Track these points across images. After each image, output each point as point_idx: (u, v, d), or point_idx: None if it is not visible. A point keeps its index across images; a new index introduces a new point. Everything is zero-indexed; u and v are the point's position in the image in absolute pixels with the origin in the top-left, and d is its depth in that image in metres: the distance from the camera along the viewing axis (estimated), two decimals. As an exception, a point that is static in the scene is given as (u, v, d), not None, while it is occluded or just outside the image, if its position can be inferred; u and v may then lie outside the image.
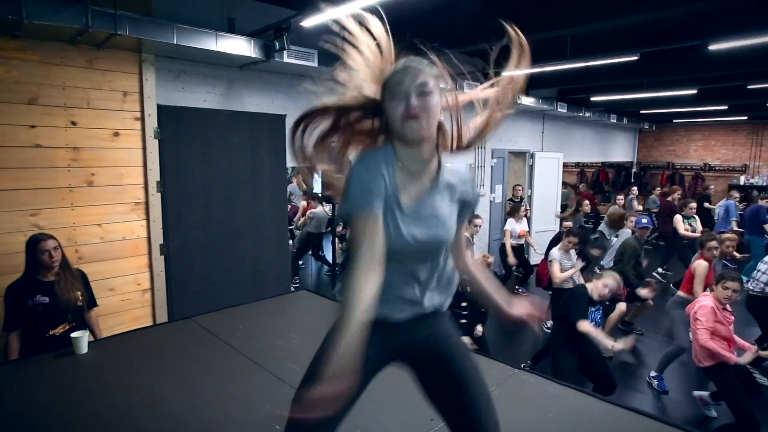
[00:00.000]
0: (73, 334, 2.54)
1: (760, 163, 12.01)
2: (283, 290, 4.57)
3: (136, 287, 3.89)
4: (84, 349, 2.54)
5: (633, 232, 5.24)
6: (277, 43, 3.55)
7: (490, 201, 7.85)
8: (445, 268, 1.36)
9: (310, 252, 6.94)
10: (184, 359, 2.55)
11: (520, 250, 6.64)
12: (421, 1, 3.47)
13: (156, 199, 3.85)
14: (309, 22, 3.36)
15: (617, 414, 2.11)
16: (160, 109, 3.78)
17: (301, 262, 7.18)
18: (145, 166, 3.79)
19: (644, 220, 5.03)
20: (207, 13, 3.94)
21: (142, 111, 3.73)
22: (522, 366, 3.01)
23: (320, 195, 6.51)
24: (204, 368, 2.45)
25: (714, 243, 4.21)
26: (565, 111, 8.13)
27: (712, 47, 4.01)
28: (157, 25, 3.28)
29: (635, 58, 4.55)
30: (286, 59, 3.85)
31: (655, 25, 4.05)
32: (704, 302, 3.43)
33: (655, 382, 4.07)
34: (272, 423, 1.97)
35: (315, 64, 4.05)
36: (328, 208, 6.56)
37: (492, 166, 7.82)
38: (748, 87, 6.45)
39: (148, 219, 3.86)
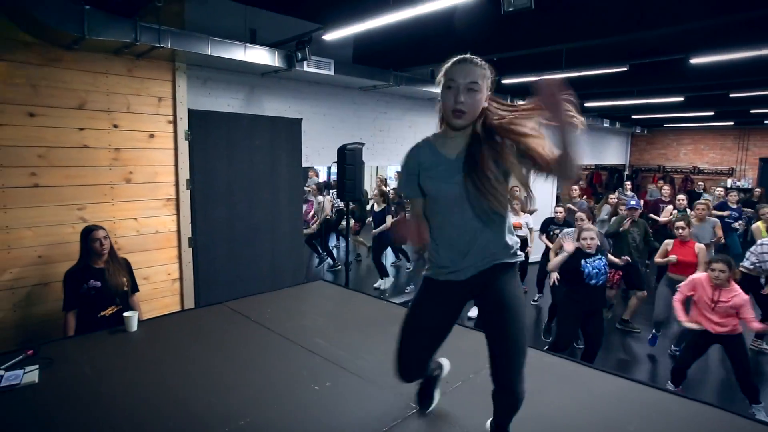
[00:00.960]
0: (125, 314, 2.87)
1: (746, 166, 12.49)
2: (298, 281, 4.92)
3: (167, 276, 4.22)
4: (135, 327, 2.87)
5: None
6: (299, 54, 3.90)
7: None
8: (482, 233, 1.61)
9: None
10: (225, 337, 2.89)
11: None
12: (430, 18, 3.81)
13: (186, 196, 4.19)
14: (331, 35, 3.71)
15: (606, 378, 2.48)
16: (190, 113, 4.12)
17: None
18: (176, 165, 4.12)
19: (632, 202, 5.35)
20: (232, 23, 4.28)
21: (175, 115, 4.07)
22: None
23: (322, 185, 7.00)
24: (243, 344, 2.80)
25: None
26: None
27: (694, 61, 4.42)
28: (193, 38, 3.62)
29: (625, 69, 4.96)
30: (306, 68, 4.20)
31: (642, 41, 4.44)
32: (696, 276, 3.85)
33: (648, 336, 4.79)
34: (312, 385, 2.32)
35: (332, 72, 4.40)
36: (329, 197, 7.01)
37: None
38: (730, 96, 6.88)
39: (178, 214, 4.19)
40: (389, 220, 6.34)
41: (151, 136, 3.97)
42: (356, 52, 5.13)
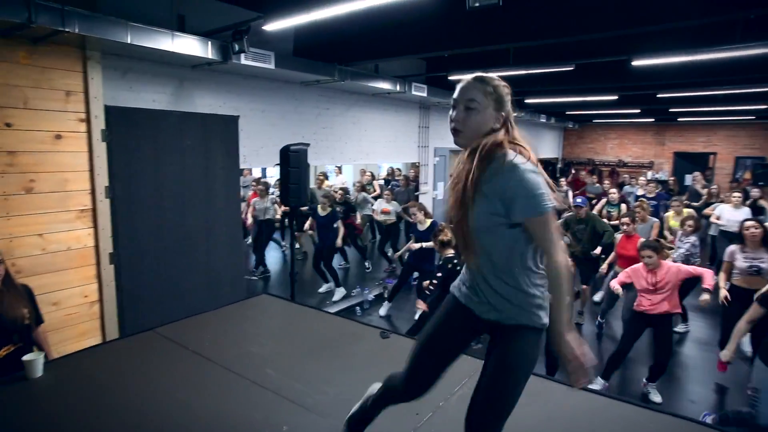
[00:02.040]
0: (25, 357, 2.37)
1: (663, 160, 13.48)
2: (238, 294, 4.50)
3: (83, 300, 3.66)
4: (40, 371, 2.38)
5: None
6: (236, 45, 3.48)
7: (433, 198, 8.13)
8: (494, 273, 1.45)
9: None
10: (157, 374, 2.48)
11: None
12: (379, 12, 3.55)
13: (104, 206, 3.64)
14: (273, 26, 3.33)
15: (574, 394, 2.38)
16: (108, 110, 3.57)
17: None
18: (92, 170, 3.56)
19: (579, 200, 5.49)
20: (154, 8, 3.76)
21: (88, 112, 3.50)
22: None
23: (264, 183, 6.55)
24: (181, 382, 2.41)
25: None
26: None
27: (635, 63, 4.53)
28: (109, 23, 3.09)
29: (571, 68, 5.00)
30: (243, 61, 3.78)
31: (589, 43, 4.49)
32: (633, 266, 4.02)
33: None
34: (267, 433, 2.01)
35: (272, 66, 4.01)
36: (271, 197, 6.57)
37: (435, 164, 8.11)
38: (658, 96, 7.28)
39: (95, 227, 3.64)
40: (341, 225, 6.04)
41: (58, 137, 3.38)
42: (297, 45, 4.75)
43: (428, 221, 5.46)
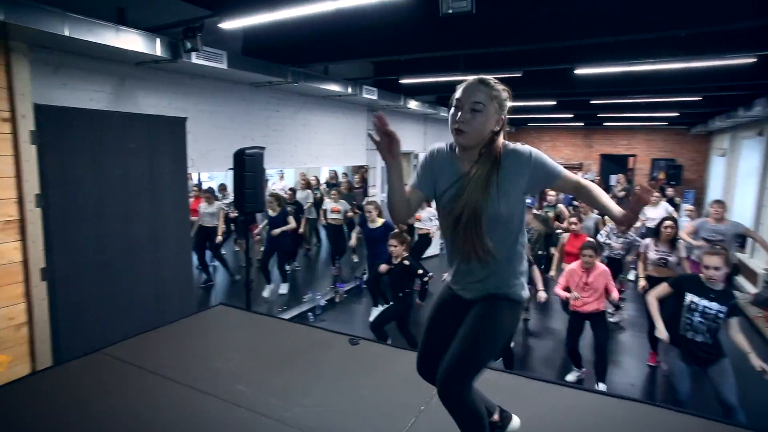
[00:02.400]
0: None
1: (591, 161, 14.48)
2: (188, 306, 4.25)
3: (8, 323, 3.25)
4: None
5: None
6: (188, 43, 3.26)
7: (382, 200, 8.13)
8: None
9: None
10: (113, 400, 2.27)
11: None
12: (331, 14, 3.51)
13: (35, 216, 3.27)
14: (229, 24, 3.17)
15: (524, 383, 2.48)
16: (38, 108, 3.21)
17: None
18: (18, 176, 3.18)
19: (528, 201, 5.73)
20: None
21: (13, 111, 3.13)
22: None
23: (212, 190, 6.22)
24: (145, 406, 2.22)
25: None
26: (446, 114, 8.81)
27: (577, 71, 4.83)
28: (43, 12, 2.78)
29: (519, 74, 5.22)
30: (195, 60, 3.57)
31: (536, 52, 4.72)
32: (568, 267, 4.23)
33: None
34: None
35: (224, 66, 3.82)
36: (219, 204, 6.25)
37: (382, 167, 8.14)
38: (591, 102, 7.81)
39: (24, 239, 3.26)
40: (291, 220, 5.87)
41: (-22, 139, 3.00)
42: (247, 45, 4.56)
43: (380, 220, 5.47)
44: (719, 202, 5.28)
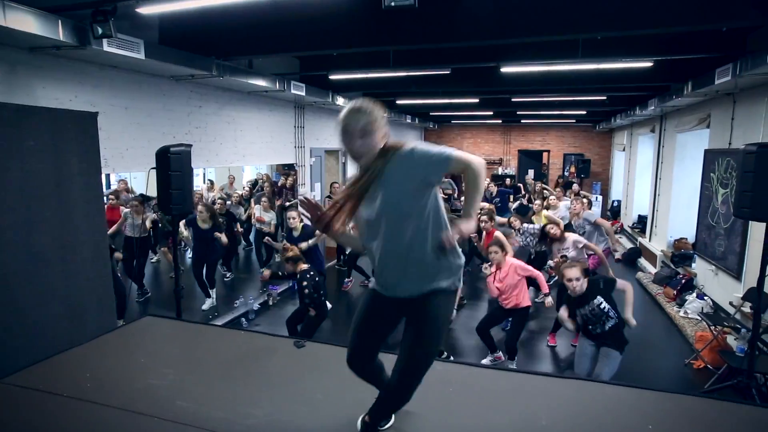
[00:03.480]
0: None
1: (509, 157, 15.32)
2: (109, 322, 3.86)
3: None
4: None
5: None
6: (99, 28, 2.92)
7: (311, 198, 8.01)
8: (405, 251, 1.68)
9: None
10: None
11: None
12: (255, 5, 3.36)
13: None
14: (147, 9, 2.89)
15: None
16: None
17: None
18: None
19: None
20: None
21: None
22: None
23: (143, 197, 5.68)
24: (68, 437, 1.96)
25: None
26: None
27: (503, 69, 5.05)
28: None
29: (447, 72, 5.35)
30: (106, 48, 3.22)
31: (464, 50, 4.87)
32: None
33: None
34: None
35: (141, 56, 3.49)
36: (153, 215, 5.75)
37: (311, 165, 7.99)
38: (512, 100, 8.24)
39: None
40: (223, 237, 5.54)
41: None
42: (165, 34, 4.21)
43: (300, 225, 5.36)
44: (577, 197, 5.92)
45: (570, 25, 3.79)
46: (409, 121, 11.78)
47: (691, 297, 6.06)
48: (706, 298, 5.91)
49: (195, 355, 2.84)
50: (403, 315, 1.84)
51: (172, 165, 3.59)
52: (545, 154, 15.20)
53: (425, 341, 1.74)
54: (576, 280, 3.25)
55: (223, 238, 5.50)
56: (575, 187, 9.45)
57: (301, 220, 5.31)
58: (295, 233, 5.29)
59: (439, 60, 5.07)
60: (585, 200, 6.73)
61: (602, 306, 3.25)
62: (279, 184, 8.26)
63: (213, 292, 5.89)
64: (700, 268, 6.68)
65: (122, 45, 3.35)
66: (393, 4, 2.38)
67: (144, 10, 2.93)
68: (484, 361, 4.45)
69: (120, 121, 4.22)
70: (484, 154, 15.31)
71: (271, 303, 6.51)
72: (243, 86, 5.50)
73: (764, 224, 3.26)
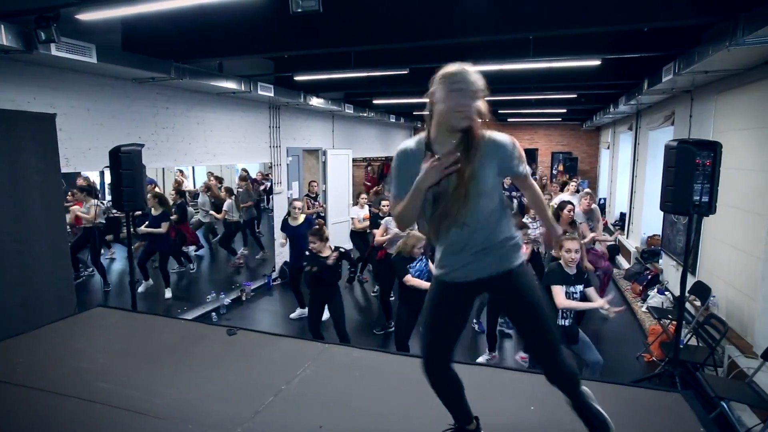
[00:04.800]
0: None
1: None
2: (66, 313, 4.03)
3: None
4: None
5: None
6: (42, 33, 3.09)
7: (288, 197, 8.13)
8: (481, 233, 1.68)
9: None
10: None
11: (364, 235, 7.13)
12: (219, 8, 3.51)
13: None
14: (89, 16, 3.05)
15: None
16: None
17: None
18: None
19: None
20: None
21: None
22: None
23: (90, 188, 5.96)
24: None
25: None
26: (352, 111, 8.98)
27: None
28: None
29: (405, 72, 5.49)
30: (55, 52, 3.39)
31: (422, 49, 5.00)
32: None
33: (476, 326, 5.36)
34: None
35: (93, 60, 3.66)
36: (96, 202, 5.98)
37: (288, 164, 8.13)
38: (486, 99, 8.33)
39: None
40: (165, 226, 5.87)
41: None
42: (127, 38, 4.39)
43: (302, 217, 5.80)
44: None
45: (520, 23, 3.88)
46: (393, 120, 11.92)
47: (653, 292, 6.17)
48: (666, 293, 6.00)
49: (131, 342, 3.00)
50: (480, 294, 1.85)
51: (123, 163, 3.76)
52: (535, 153, 15.28)
53: (538, 305, 1.72)
54: (576, 252, 3.33)
55: (163, 227, 5.80)
56: (572, 185, 9.34)
57: (303, 211, 5.78)
58: (294, 223, 5.70)
59: (398, 60, 5.21)
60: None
61: (579, 293, 3.37)
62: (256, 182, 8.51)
63: (169, 291, 6.15)
64: (665, 263, 6.78)
65: (72, 49, 3.52)
66: (300, 10, 2.52)
67: (84, 17, 3.10)
68: (480, 360, 4.50)
69: (82, 123, 4.39)
70: (472, 153, 15.42)
71: (244, 298, 6.67)
72: (210, 88, 5.66)
73: (717, 219, 3.38)
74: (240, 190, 8.26)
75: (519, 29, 4.04)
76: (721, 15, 3.17)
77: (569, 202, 5.19)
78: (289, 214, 5.88)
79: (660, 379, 3.87)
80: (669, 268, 6.50)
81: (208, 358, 2.74)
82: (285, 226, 5.83)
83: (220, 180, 8.70)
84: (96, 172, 6.70)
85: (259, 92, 5.98)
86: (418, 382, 1.96)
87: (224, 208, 7.43)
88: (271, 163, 7.61)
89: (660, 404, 2.31)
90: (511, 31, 4.03)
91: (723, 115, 4.98)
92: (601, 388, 2.49)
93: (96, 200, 5.94)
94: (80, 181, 6.06)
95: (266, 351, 2.86)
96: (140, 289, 5.99)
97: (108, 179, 9.01)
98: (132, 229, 4.62)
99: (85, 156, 4.47)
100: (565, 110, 10.72)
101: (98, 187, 7.04)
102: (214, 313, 6.00)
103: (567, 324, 3.37)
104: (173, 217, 6.03)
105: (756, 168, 4.24)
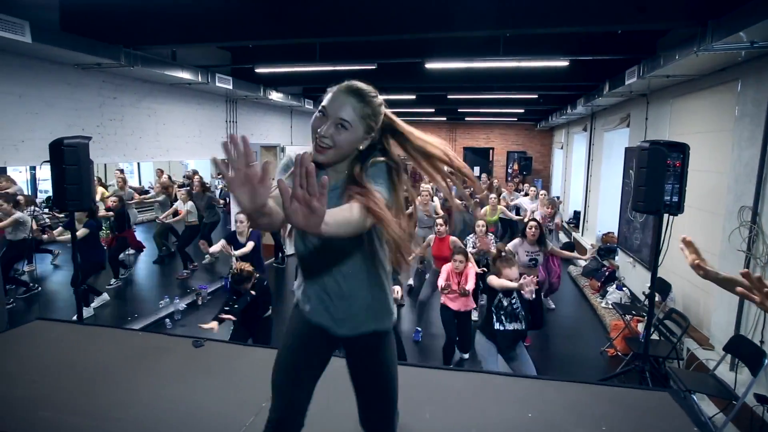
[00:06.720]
0: None
1: (456, 154, 15.53)
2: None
3: None
4: None
5: None
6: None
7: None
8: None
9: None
10: None
11: None
12: None
13: None
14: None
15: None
16: None
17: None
18: None
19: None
20: None
21: None
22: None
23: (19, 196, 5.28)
24: None
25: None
26: (312, 107, 8.72)
27: (427, 65, 5.08)
28: None
29: (373, 67, 5.33)
30: (-20, 29, 2.96)
31: (390, 44, 4.85)
32: (447, 265, 4.34)
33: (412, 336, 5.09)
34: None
35: (28, 39, 3.24)
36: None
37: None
38: (448, 96, 8.35)
39: None
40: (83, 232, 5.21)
41: None
42: (65, 17, 3.93)
43: (248, 231, 5.11)
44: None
45: (491, 21, 3.82)
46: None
47: (612, 288, 6.36)
48: (624, 288, 6.21)
49: (77, 359, 2.66)
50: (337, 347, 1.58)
51: (67, 158, 3.36)
52: (491, 152, 15.57)
53: (390, 388, 1.54)
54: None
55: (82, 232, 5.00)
56: (533, 190, 9.42)
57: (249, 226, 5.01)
58: (241, 238, 4.95)
59: (364, 54, 5.03)
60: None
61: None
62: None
63: (92, 306, 5.56)
64: (621, 260, 7.02)
65: (2, 26, 3.09)
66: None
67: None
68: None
69: (11, 110, 3.92)
70: (431, 152, 15.50)
71: (200, 303, 6.27)
72: (164, 78, 5.26)
73: (675, 218, 3.44)
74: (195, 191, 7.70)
75: (491, 25, 3.99)
76: (694, 20, 3.24)
77: (534, 219, 4.97)
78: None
79: (629, 375, 3.94)
80: (625, 264, 6.73)
81: (173, 373, 2.47)
82: (233, 241, 4.95)
83: (171, 180, 8.11)
84: (23, 169, 6.01)
85: (217, 84, 5.62)
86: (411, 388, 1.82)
87: (186, 208, 6.71)
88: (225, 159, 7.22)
89: (648, 404, 2.30)
90: (485, 28, 3.97)
91: (678, 119, 5.18)
92: (588, 389, 2.47)
93: (21, 213, 5.15)
94: (3, 184, 5.20)
95: (237, 363, 2.63)
96: (94, 304, 5.41)
97: (41, 175, 8.21)
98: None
99: (17, 149, 3.99)
100: (522, 110, 10.95)
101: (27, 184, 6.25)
102: (168, 320, 5.59)
103: (511, 329, 3.21)
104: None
105: (711, 169, 4.42)
